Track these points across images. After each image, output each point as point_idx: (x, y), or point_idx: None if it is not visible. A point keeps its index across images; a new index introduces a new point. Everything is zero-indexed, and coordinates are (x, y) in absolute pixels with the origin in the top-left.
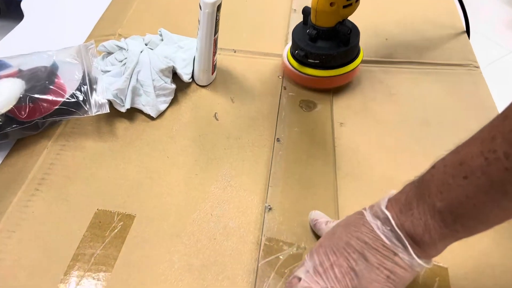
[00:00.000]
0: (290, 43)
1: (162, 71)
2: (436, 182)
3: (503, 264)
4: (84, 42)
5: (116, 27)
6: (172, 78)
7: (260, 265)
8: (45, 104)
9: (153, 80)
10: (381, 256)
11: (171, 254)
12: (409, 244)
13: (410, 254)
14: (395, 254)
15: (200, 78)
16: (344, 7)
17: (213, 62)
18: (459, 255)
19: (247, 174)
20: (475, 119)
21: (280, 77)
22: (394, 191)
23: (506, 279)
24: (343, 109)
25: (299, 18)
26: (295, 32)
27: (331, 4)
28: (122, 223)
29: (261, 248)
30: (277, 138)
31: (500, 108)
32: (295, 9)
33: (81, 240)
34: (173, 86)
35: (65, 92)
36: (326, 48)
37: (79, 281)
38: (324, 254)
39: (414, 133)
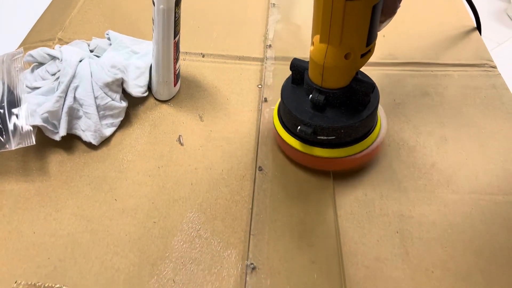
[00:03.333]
0: (275, 106)
1: (108, 85)
2: None
3: None
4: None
5: (56, 30)
6: (123, 92)
7: None
8: None
9: (96, 98)
10: None
11: None
12: None
13: None
14: None
15: (160, 92)
16: (363, 56)
17: (175, 71)
18: None
19: (221, 218)
20: (499, 130)
21: (260, 86)
22: None
23: None
24: None
25: (279, 13)
26: (288, 98)
27: (347, 56)
28: None
29: None
30: (259, 167)
31: None
32: (273, 3)
33: None
34: (124, 104)
35: None
36: (343, 117)
37: None
38: None
39: (431, 153)
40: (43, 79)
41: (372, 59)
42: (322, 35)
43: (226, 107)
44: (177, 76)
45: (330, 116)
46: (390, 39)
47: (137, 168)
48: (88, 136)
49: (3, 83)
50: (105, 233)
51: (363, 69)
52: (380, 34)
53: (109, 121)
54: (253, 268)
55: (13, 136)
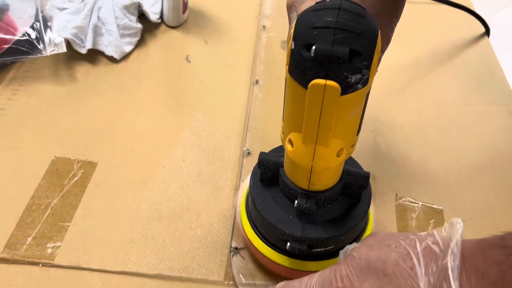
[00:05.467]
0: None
1: (126, 7)
2: None
3: (501, 205)
4: None
5: None
6: (139, 17)
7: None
8: None
9: (116, 18)
10: None
11: (139, 202)
12: None
13: None
14: None
15: (170, 18)
16: (353, 145)
17: None
18: (454, 196)
19: (223, 118)
20: (471, 59)
21: (259, 17)
22: (461, 223)
23: (504, 220)
24: None
25: None
26: (263, 205)
27: (339, 154)
28: (82, 170)
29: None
30: (256, 80)
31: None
32: None
33: (35, 189)
34: (139, 25)
35: (16, 30)
36: (341, 221)
37: (33, 234)
38: None
39: (406, 71)
40: (70, 1)
41: None
42: (307, 135)
43: (228, 34)
44: (185, 5)
45: (323, 221)
46: None
47: (151, 79)
48: (110, 50)
49: (36, 7)
50: (126, 126)
51: None
52: None
53: (127, 39)
54: (249, 153)
55: (48, 44)
